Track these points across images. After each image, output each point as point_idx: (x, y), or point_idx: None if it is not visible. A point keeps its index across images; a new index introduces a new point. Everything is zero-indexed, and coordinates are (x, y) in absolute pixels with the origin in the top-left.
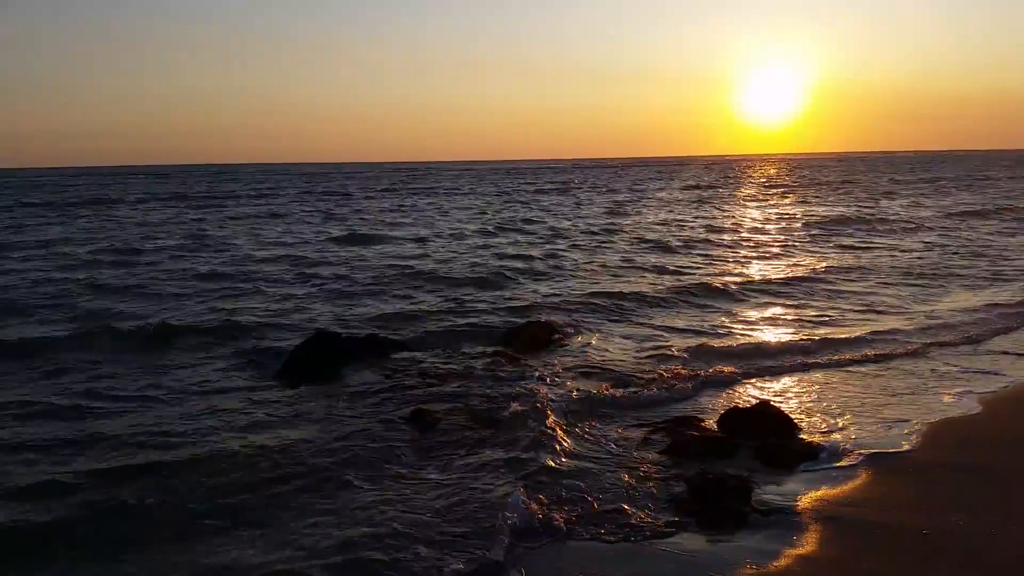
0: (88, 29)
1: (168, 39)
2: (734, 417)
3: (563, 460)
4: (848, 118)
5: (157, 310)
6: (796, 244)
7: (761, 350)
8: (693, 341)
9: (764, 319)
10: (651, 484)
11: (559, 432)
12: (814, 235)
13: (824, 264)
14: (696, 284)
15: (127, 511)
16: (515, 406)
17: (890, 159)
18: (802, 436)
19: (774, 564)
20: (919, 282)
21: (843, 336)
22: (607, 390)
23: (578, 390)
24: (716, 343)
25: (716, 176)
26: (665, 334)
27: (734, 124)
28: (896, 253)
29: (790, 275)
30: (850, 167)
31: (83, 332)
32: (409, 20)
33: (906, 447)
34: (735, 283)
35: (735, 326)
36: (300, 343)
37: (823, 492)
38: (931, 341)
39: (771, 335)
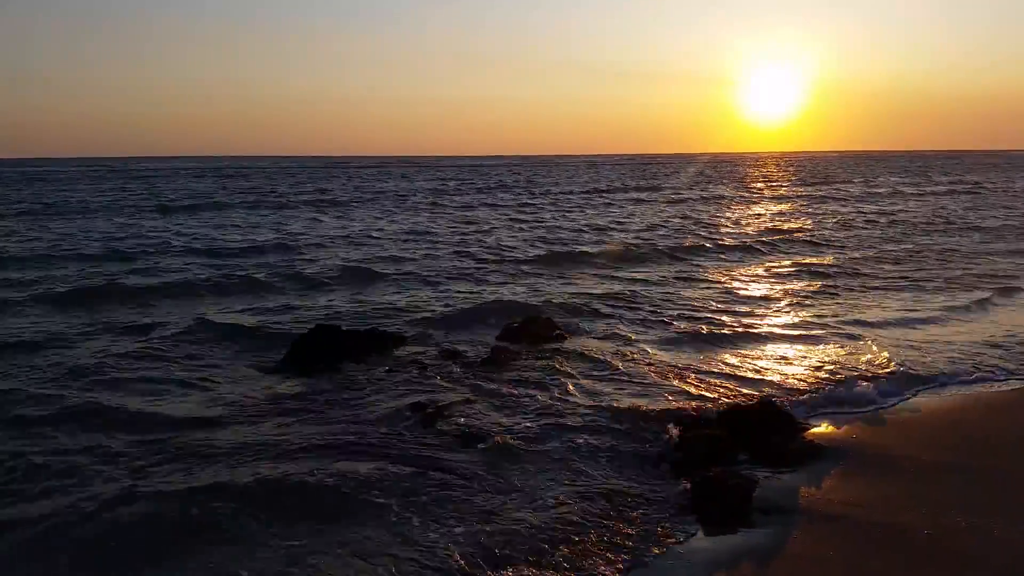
0: (90, 21)
1: (168, 32)
2: (736, 415)
3: (562, 456)
4: (848, 117)
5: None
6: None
7: (772, 351)
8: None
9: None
10: (652, 482)
11: (558, 427)
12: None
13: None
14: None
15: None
16: (509, 402)
17: (880, 159)
18: (804, 435)
19: (775, 563)
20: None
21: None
22: (604, 384)
23: (578, 386)
24: (724, 345)
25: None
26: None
27: (736, 122)
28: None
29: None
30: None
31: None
32: (412, 15)
33: (909, 447)
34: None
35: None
36: (300, 336)
37: (825, 491)
38: (931, 339)
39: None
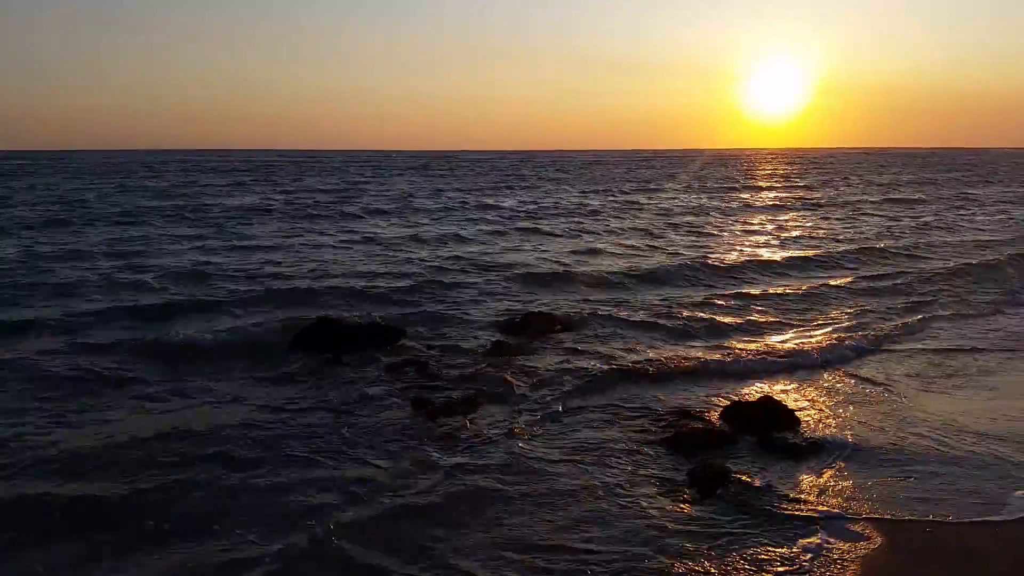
0: (95, 15)
1: (174, 26)
2: (737, 410)
3: (561, 449)
4: (852, 114)
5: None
6: None
7: (768, 346)
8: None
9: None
10: (651, 475)
11: (559, 420)
12: None
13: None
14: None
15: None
16: (511, 395)
17: (878, 156)
18: (805, 431)
19: (774, 558)
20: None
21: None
22: (608, 379)
23: (578, 378)
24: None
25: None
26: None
27: (739, 118)
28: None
29: None
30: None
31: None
32: (416, 9)
33: (909, 443)
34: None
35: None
36: (302, 329)
37: (825, 487)
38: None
39: (779, 330)
